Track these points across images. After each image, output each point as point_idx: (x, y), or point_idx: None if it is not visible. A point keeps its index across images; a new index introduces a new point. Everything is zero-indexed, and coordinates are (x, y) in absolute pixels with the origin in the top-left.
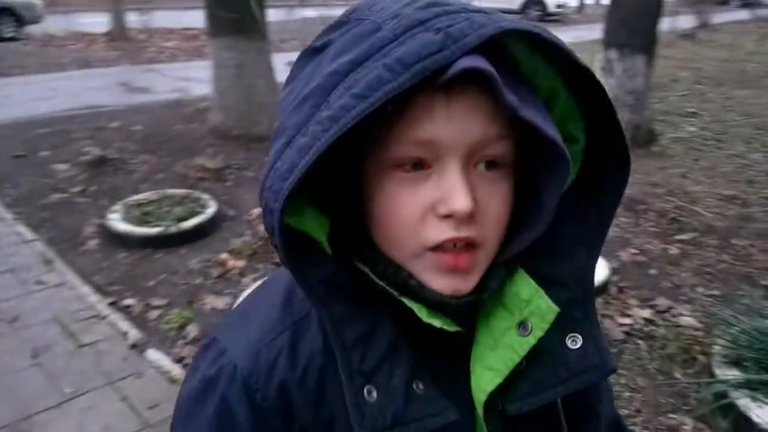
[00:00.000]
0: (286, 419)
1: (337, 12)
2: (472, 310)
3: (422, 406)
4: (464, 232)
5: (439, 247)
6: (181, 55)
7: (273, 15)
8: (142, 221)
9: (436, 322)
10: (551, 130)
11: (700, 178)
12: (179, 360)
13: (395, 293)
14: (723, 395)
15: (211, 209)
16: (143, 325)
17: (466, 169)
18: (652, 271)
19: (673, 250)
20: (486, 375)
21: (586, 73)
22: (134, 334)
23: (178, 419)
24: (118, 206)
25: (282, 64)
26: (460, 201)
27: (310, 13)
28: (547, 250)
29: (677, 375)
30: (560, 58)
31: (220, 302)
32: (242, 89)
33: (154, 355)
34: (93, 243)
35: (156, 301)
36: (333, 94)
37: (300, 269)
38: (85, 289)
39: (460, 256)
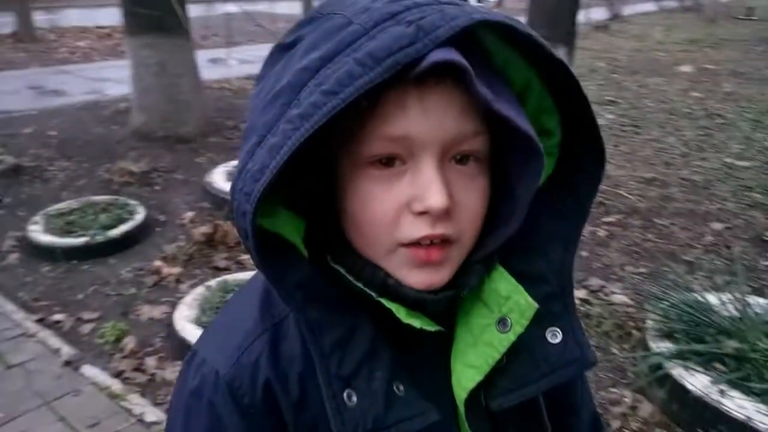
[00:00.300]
0: (275, 418)
1: (261, 7)
2: (452, 309)
3: (403, 408)
4: (440, 229)
5: (412, 243)
6: (95, 55)
7: (193, 11)
8: (65, 231)
9: (415, 323)
10: (525, 124)
11: (621, 163)
12: (118, 374)
13: (373, 294)
14: (658, 367)
15: (140, 215)
16: (76, 341)
17: (442, 164)
18: (584, 253)
19: (601, 232)
20: (466, 372)
21: (560, 66)
22: (67, 350)
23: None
24: (38, 217)
25: (204, 61)
26: (436, 198)
27: (231, 8)
28: (524, 245)
29: (614, 350)
30: (533, 50)
31: (156, 312)
32: (164, 88)
33: (90, 371)
34: (13, 257)
35: (87, 315)
36: (303, 91)
37: (275, 273)
38: (9, 307)
39: (432, 250)
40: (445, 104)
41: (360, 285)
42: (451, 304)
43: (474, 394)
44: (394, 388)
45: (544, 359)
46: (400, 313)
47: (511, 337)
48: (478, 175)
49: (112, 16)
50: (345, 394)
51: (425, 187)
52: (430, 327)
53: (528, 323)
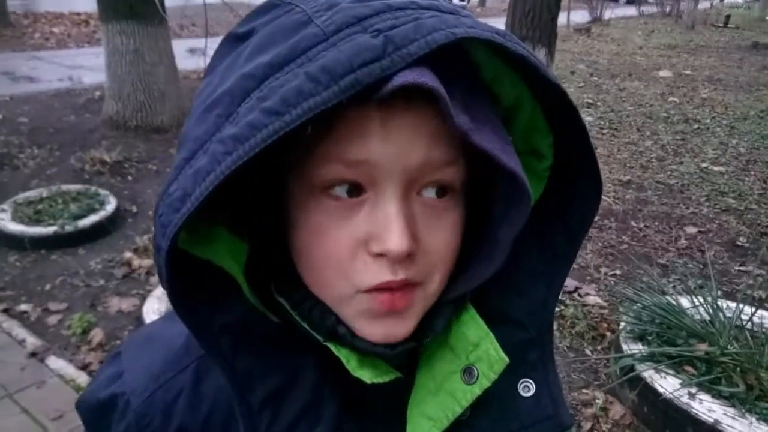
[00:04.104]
0: None
1: None
2: (415, 349)
3: None
4: (401, 275)
5: (372, 289)
6: (69, 42)
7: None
8: (34, 220)
9: (366, 375)
10: (510, 160)
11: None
12: (84, 367)
13: (320, 338)
14: (630, 369)
15: (111, 205)
16: (42, 332)
17: (406, 197)
18: None
19: None
20: (423, 425)
21: (555, 89)
22: (32, 341)
23: (84, 423)
24: (6, 205)
25: (182, 51)
26: (395, 240)
27: None
28: (502, 282)
29: (587, 351)
30: (526, 68)
31: (126, 304)
32: (140, 77)
33: (55, 362)
34: None
35: (54, 306)
36: (244, 103)
37: (198, 316)
38: None
39: (397, 297)
40: (413, 130)
41: (305, 326)
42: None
43: None
44: None
45: (513, 415)
46: (351, 363)
47: (476, 390)
48: (449, 209)
49: (88, 2)
50: None
51: (384, 225)
52: (384, 378)
53: (496, 377)
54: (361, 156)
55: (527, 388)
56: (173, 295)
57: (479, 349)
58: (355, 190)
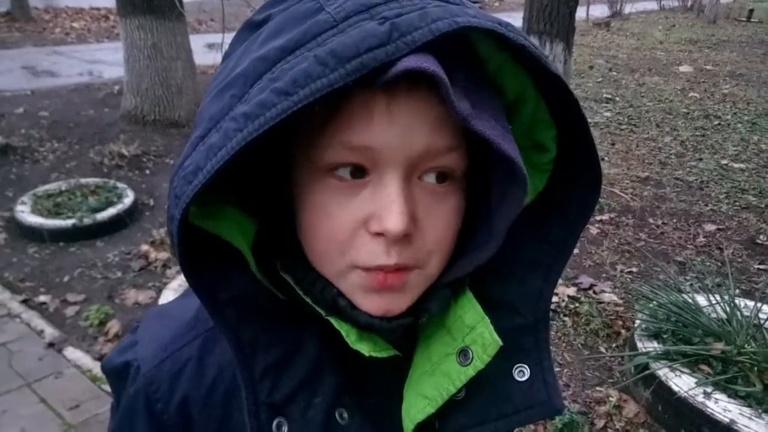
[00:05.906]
0: None
1: None
2: (414, 331)
3: None
4: (394, 258)
5: (368, 267)
6: (89, 37)
7: None
8: (53, 213)
9: (365, 348)
10: (508, 147)
11: (616, 161)
12: (101, 357)
13: (322, 312)
14: (645, 367)
15: (129, 198)
16: (60, 323)
17: (408, 181)
18: (575, 251)
19: (594, 230)
20: (418, 403)
21: (557, 81)
22: (50, 332)
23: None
24: (26, 197)
25: (200, 46)
26: (395, 219)
27: None
28: (501, 270)
29: (602, 349)
30: (528, 58)
31: (142, 296)
32: (157, 72)
33: (73, 353)
34: (0, 238)
35: (72, 297)
36: (256, 85)
37: (208, 286)
38: None
39: (390, 275)
40: (417, 115)
41: (308, 300)
42: (410, 327)
43: (427, 426)
44: (336, 415)
45: (506, 398)
46: (350, 336)
47: (470, 371)
48: (449, 194)
49: None
50: (275, 424)
51: (384, 205)
52: (382, 353)
53: (489, 360)
54: (365, 141)
55: (522, 373)
56: (184, 264)
57: (474, 332)
58: (359, 171)
